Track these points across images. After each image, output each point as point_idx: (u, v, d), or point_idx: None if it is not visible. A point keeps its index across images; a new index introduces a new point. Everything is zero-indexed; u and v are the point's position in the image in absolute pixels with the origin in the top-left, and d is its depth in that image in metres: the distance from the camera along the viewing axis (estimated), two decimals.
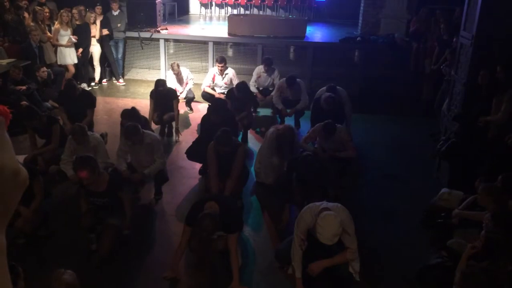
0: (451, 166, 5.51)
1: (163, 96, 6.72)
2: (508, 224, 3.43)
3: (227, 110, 6.16)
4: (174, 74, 7.74)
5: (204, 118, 6.10)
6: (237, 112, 6.58)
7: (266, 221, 5.00)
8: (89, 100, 6.45)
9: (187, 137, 6.86)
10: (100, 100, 8.40)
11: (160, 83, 6.75)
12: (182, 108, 7.83)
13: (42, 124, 5.41)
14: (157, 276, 4.05)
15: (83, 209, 4.34)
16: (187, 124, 7.56)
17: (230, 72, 7.83)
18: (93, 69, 9.30)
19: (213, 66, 8.80)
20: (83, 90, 7.01)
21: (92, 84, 9.24)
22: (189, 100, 8.04)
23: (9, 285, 0.61)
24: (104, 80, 9.57)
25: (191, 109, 8.07)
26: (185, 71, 7.92)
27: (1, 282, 0.60)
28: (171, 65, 7.82)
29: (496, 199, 3.79)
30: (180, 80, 7.80)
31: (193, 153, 5.69)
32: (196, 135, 6.51)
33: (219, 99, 6.87)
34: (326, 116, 5.70)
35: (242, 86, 6.87)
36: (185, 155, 5.81)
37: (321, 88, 6.87)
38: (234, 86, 7.23)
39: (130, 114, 5.61)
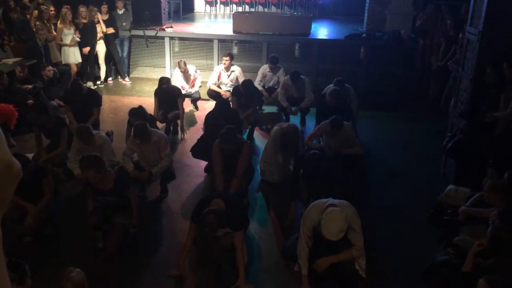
0: (457, 163, 5.48)
1: (167, 94, 6.73)
2: None
3: (231, 110, 6.16)
4: (181, 72, 7.73)
5: (209, 116, 6.11)
6: (242, 110, 6.58)
7: (271, 219, 5.00)
8: (95, 99, 6.47)
9: (193, 135, 6.87)
10: (105, 99, 8.42)
11: (163, 81, 6.76)
12: (187, 106, 7.85)
13: (51, 124, 5.44)
14: (163, 274, 4.06)
15: (90, 207, 4.36)
16: (192, 122, 7.57)
17: (236, 69, 7.82)
18: (99, 67, 9.33)
19: (218, 64, 8.80)
20: (89, 89, 7.04)
21: (98, 82, 9.27)
22: (194, 100, 8.04)
23: (5, 275, 0.61)
24: (110, 79, 9.60)
25: (196, 107, 8.07)
26: (191, 69, 7.92)
27: None
28: (178, 63, 7.82)
29: (503, 196, 3.76)
30: (187, 78, 7.80)
31: (198, 151, 5.70)
32: (201, 133, 6.52)
33: (222, 102, 6.88)
34: (331, 113, 5.69)
35: (248, 83, 6.87)
36: (190, 153, 5.82)
37: (328, 86, 6.85)
38: (240, 83, 7.23)
39: (138, 112, 5.63)
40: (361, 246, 3.73)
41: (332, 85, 6.72)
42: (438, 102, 7.87)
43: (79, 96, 6.27)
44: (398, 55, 9.22)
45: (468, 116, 5.45)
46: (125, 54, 9.51)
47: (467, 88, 5.73)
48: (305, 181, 4.79)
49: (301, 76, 7.34)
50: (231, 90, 7.40)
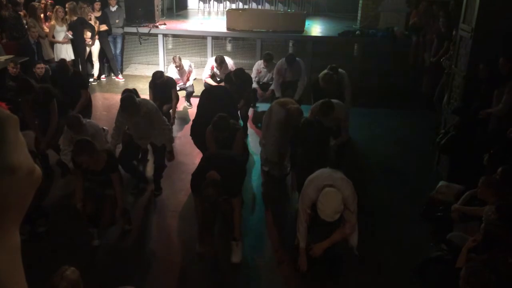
0: (450, 160, 5.51)
1: (162, 87, 6.70)
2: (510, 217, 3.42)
3: (226, 91, 6.07)
4: (176, 67, 7.69)
5: (202, 98, 5.97)
6: (235, 96, 6.45)
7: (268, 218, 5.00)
8: (81, 80, 6.43)
9: (187, 132, 6.84)
10: (99, 96, 8.39)
11: (157, 76, 6.72)
12: (181, 103, 7.81)
13: (40, 97, 5.33)
14: (157, 271, 4.06)
15: (78, 194, 4.34)
16: (186, 119, 7.54)
17: (228, 62, 7.74)
18: (92, 65, 9.27)
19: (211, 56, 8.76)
20: (75, 70, 6.97)
21: (91, 80, 9.21)
22: (188, 94, 8.00)
23: (24, 283, 0.61)
24: (103, 76, 9.55)
25: (190, 103, 8.04)
26: (186, 63, 7.88)
27: (16, 280, 0.60)
28: (173, 58, 7.77)
29: (496, 192, 3.78)
30: (182, 73, 7.77)
31: (195, 133, 5.67)
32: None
33: (219, 86, 6.84)
34: (325, 98, 5.67)
35: (240, 72, 6.74)
36: (184, 151, 5.81)
37: (324, 71, 6.78)
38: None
39: (130, 90, 5.66)
40: (354, 223, 3.76)
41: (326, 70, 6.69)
42: (431, 99, 7.90)
43: (65, 77, 6.20)
44: (391, 52, 9.24)
45: (461, 112, 5.48)
46: (118, 51, 9.45)
47: (460, 84, 5.76)
48: (294, 169, 4.85)
49: (297, 58, 7.33)
50: (224, 78, 7.27)
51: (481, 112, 5.11)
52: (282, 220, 4.96)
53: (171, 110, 6.85)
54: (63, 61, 6.64)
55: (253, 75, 7.84)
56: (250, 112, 7.49)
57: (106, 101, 8.33)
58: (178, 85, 7.37)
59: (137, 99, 4.99)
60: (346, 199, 3.60)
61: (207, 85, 7.79)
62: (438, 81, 7.65)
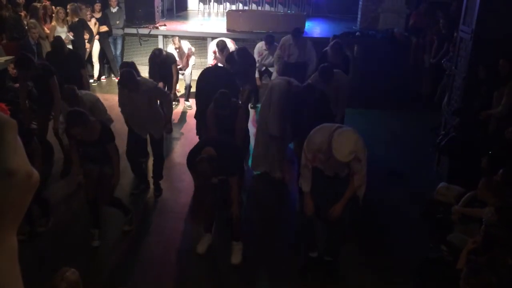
0: (451, 160, 5.51)
1: (162, 64, 6.65)
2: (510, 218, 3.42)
3: (225, 72, 5.98)
4: (176, 49, 7.64)
5: (201, 81, 5.86)
6: (237, 77, 6.20)
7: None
8: (79, 59, 6.37)
9: (187, 134, 6.85)
10: (99, 97, 8.36)
11: (156, 54, 6.69)
12: (181, 104, 7.81)
13: (39, 72, 5.30)
14: (157, 272, 4.06)
15: (76, 167, 4.35)
16: (185, 120, 7.54)
17: (230, 48, 7.60)
18: (92, 66, 9.27)
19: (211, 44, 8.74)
20: (70, 49, 6.94)
21: (91, 81, 9.21)
22: (186, 88, 7.97)
23: (21, 285, 0.62)
24: (103, 77, 9.56)
25: (190, 105, 8.03)
26: (185, 44, 7.86)
27: (14, 281, 0.60)
28: (172, 40, 7.69)
29: (496, 193, 3.78)
30: (181, 55, 7.74)
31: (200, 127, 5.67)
32: (194, 135, 6.47)
33: (218, 66, 6.82)
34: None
35: (242, 51, 6.56)
36: (184, 152, 5.80)
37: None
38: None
39: (129, 64, 5.64)
40: (363, 174, 3.73)
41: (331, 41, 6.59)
42: (431, 100, 7.90)
43: (61, 55, 6.11)
44: (391, 53, 9.24)
45: (461, 114, 5.48)
46: (118, 52, 9.46)
47: (460, 86, 5.76)
48: (296, 138, 4.91)
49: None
50: (225, 58, 6.98)
51: (482, 113, 5.11)
52: (281, 220, 4.96)
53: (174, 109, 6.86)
54: (58, 38, 6.56)
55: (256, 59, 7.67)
56: (252, 113, 7.46)
57: (106, 102, 8.24)
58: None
59: (137, 78, 4.93)
60: (359, 143, 3.53)
61: None
62: (438, 82, 7.66)
